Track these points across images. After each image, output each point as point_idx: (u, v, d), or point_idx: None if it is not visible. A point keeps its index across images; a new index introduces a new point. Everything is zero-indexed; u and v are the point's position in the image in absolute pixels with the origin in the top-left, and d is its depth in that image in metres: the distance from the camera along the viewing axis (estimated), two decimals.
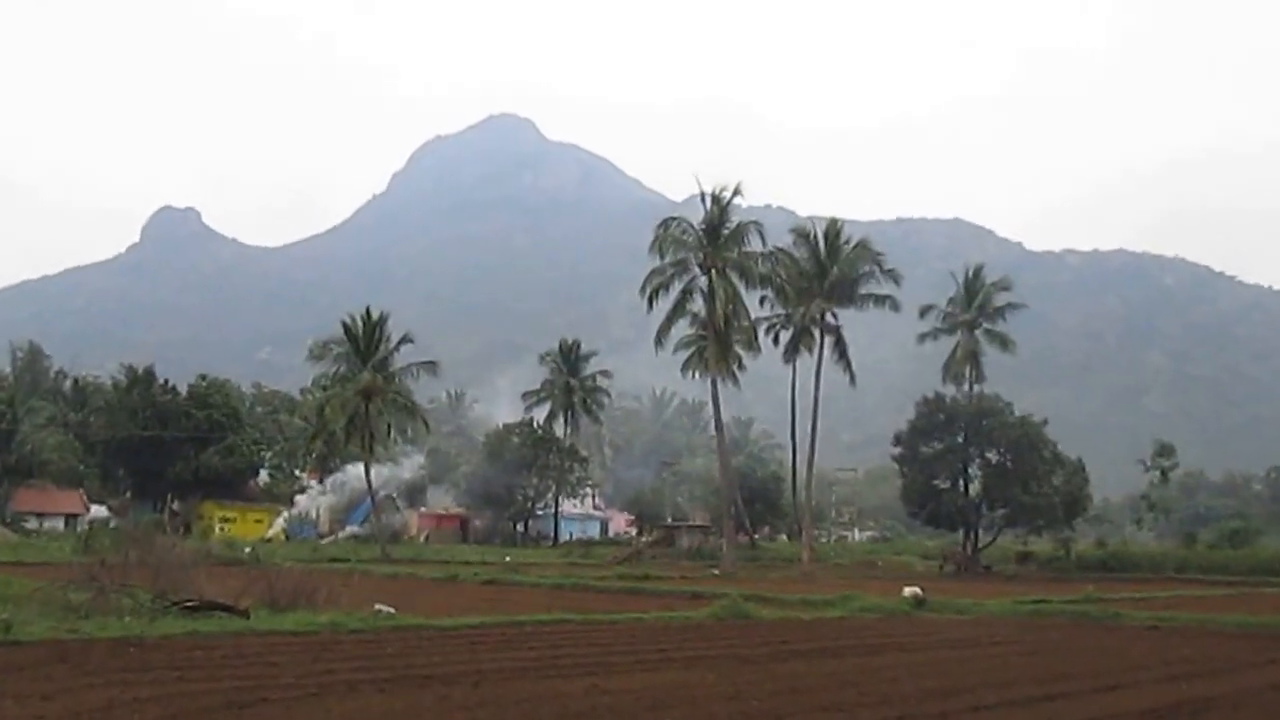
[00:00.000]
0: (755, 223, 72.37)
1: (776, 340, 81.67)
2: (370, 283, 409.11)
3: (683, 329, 76.70)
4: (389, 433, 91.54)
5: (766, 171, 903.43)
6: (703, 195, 72.09)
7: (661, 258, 72.20)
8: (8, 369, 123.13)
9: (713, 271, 70.85)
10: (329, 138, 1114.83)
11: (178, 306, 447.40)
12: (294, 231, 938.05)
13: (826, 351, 78.95)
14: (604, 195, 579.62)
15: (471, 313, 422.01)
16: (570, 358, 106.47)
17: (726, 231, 71.59)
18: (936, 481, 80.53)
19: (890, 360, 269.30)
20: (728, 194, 71.52)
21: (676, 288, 72.68)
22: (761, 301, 78.54)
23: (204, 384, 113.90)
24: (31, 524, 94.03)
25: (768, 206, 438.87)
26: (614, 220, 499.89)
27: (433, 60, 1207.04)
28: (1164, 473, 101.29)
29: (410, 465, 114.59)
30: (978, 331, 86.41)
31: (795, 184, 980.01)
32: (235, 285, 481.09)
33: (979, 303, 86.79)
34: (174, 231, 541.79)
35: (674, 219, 73.51)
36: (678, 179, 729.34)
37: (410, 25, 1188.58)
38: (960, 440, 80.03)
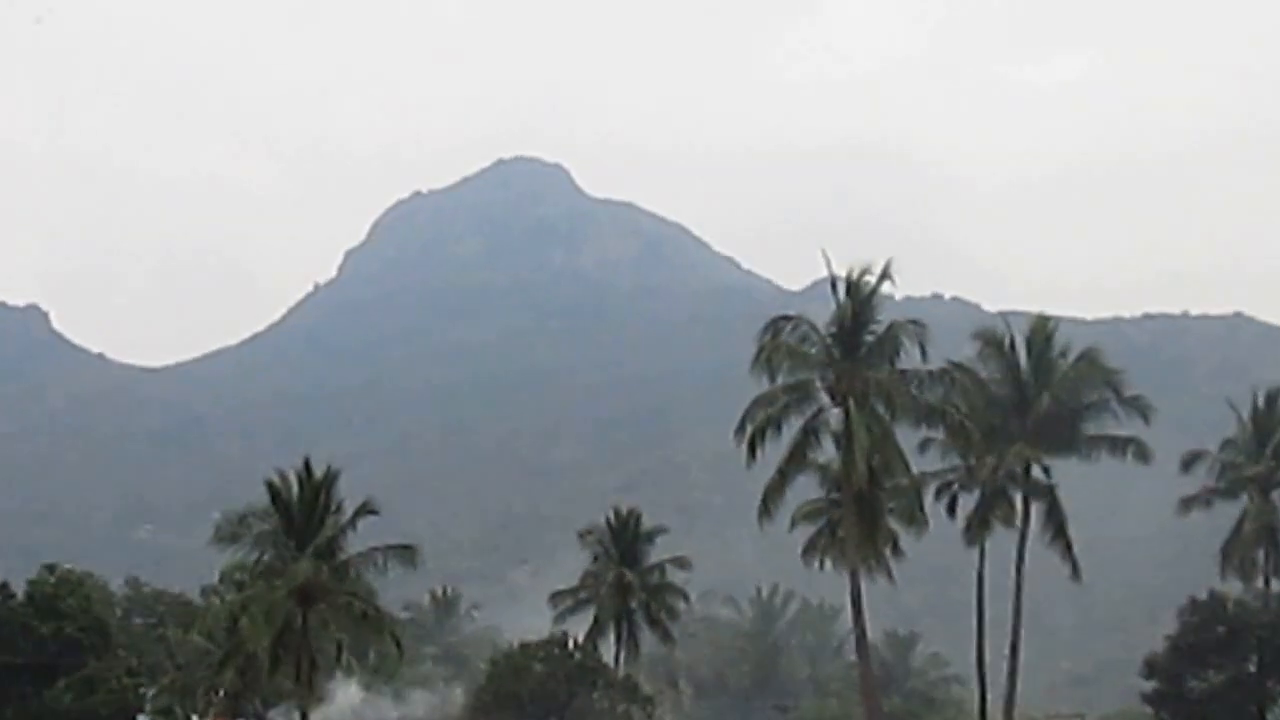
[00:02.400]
0: (916, 323, 72.01)
1: (952, 510, 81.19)
2: (312, 420, 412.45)
3: (804, 491, 76.48)
4: (339, 656, 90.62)
5: (931, 241, 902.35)
6: (833, 281, 72.13)
7: (770, 379, 71.93)
8: None
9: (850, 401, 70.65)
10: (247, 195, 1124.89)
11: (12, 458, 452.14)
12: (191, 342, 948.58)
13: (1033, 526, 78.48)
14: (677, 281, 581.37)
15: (470, 467, 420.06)
16: (626, 537, 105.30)
17: (871, 338, 71.60)
18: None
19: (1135, 540, 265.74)
20: (872, 278, 71.45)
21: (793, 426, 72.47)
22: (924, 447, 78.33)
23: (51, 580, 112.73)
24: None
25: (935, 298, 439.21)
26: (693, 320, 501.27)
27: (410, 80, 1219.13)
28: None
29: (430, 700, 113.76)
30: (1276, 494, 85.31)
31: (977, 262, 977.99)
32: (101, 425, 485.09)
33: (1277, 446, 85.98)
34: (7, 343, 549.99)
35: (788, 319, 73.15)
36: (792, 256, 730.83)
37: (372, 28, 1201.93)
38: (1252, 669, 78.55)
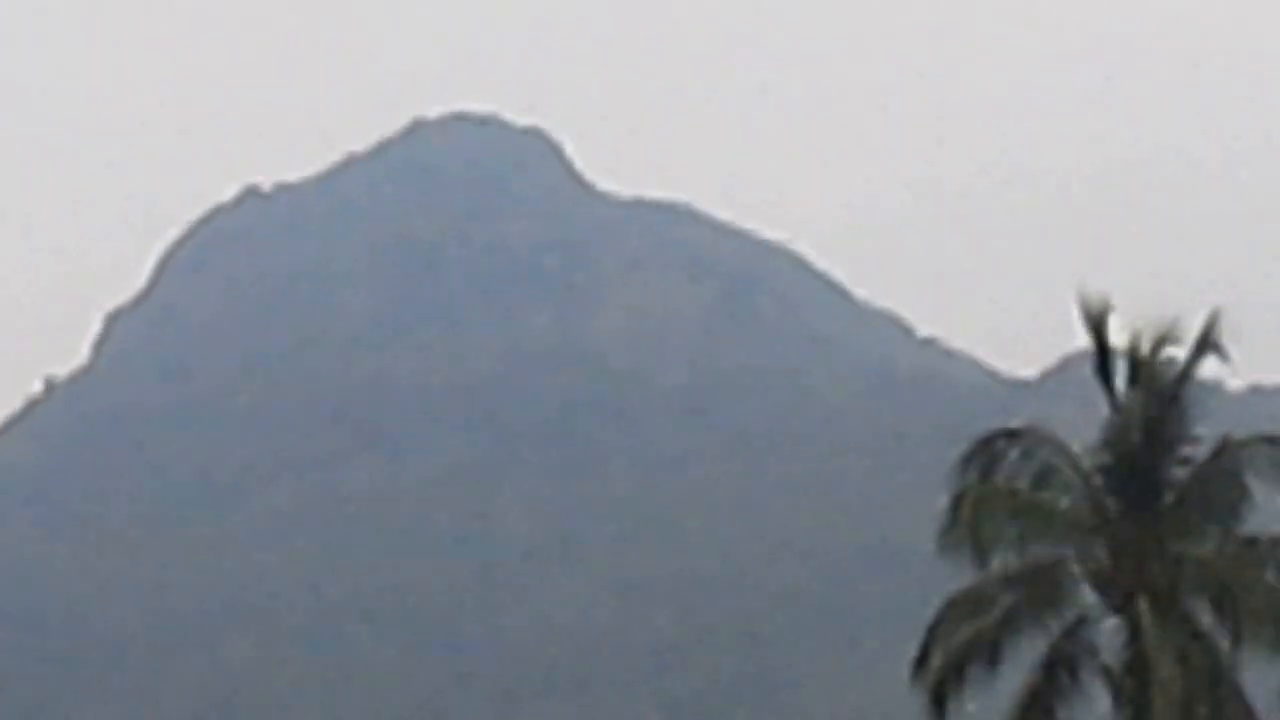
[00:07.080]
0: (1275, 442, 49.83)
1: None
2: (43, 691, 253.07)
3: None
4: None
5: None
6: (1101, 357, 49.82)
7: (978, 559, 49.15)
8: None
9: (1142, 603, 49.15)
10: None
11: None
12: None
13: None
14: (785, 363, 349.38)
15: None
16: None
17: (1181, 472, 50.27)
18: None
19: None
20: (1181, 351, 49.35)
21: (1026, 656, 49.97)
22: None
23: None
24: None
25: None
26: (819, 443, 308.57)
27: None
28: None
29: None
30: None
31: None
32: None
33: None
34: None
35: (1014, 435, 51.07)
36: (1019, 312, 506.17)
37: None
38: None
